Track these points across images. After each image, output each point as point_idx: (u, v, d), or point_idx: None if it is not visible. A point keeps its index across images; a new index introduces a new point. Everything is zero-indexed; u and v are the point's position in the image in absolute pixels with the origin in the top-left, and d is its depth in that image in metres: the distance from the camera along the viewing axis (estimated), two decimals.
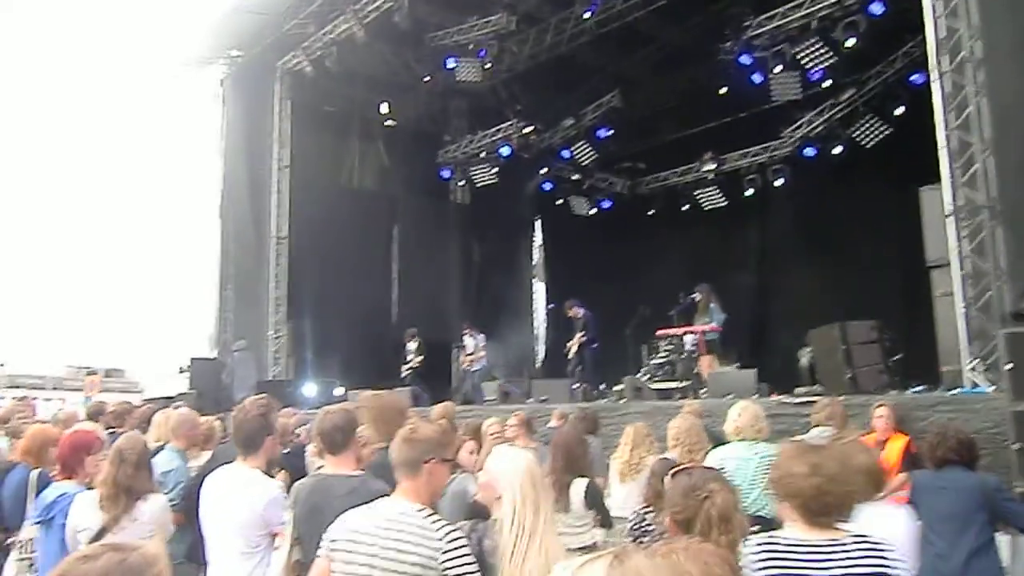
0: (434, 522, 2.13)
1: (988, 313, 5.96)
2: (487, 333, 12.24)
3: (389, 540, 2.12)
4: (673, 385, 9.15)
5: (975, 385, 5.91)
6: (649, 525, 3.33)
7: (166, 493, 3.82)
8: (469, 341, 11.95)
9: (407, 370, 11.88)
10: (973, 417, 5.09)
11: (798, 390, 6.85)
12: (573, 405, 7.66)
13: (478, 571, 2.12)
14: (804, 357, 7.51)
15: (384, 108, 14.36)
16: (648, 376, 9.66)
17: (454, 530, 2.14)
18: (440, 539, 2.09)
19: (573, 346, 10.47)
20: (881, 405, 5.24)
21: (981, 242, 6.12)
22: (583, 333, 10.33)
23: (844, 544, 1.85)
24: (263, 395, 4.19)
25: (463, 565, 2.08)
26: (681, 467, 1.98)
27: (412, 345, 12.07)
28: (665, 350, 9.98)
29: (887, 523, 2.23)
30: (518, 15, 11.86)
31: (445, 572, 2.07)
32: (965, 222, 6.28)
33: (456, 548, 2.09)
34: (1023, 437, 4.47)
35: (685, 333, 9.67)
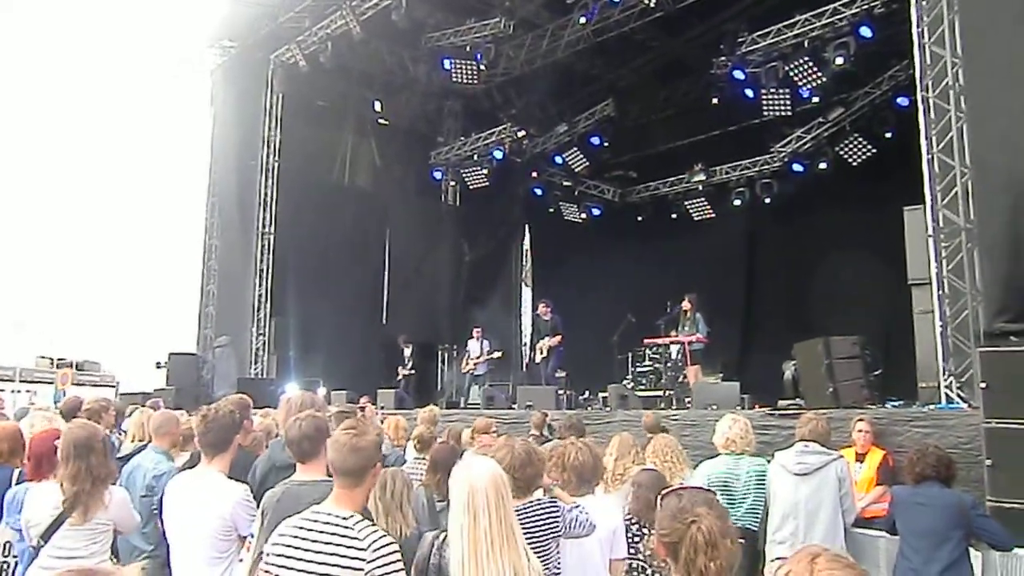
0: (362, 530, 2.14)
1: (964, 332, 6.11)
2: (472, 335, 12.16)
3: (321, 553, 2.14)
4: (658, 394, 9.24)
5: (951, 401, 6.06)
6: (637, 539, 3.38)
7: (154, 498, 3.69)
8: (475, 345, 11.74)
9: (404, 375, 11.85)
10: (948, 433, 5.22)
11: (781, 402, 6.95)
12: (561, 412, 7.69)
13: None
14: (788, 370, 7.61)
15: (378, 106, 14.25)
16: (633, 384, 9.74)
17: (382, 537, 2.15)
18: (366, 547, 2.10)
19: (544, 347, 10.57)
20: (861, 419, 5.37)
21: (959, 262, 6.28)
22: (558, 335, 10.49)
23: (534, 504, 2.80)
24: (241, 395, 4.10)
25: (388, 571, 2.09)
26: (672, 489, 1.98)
27: (407, 351, 11.99)
28: (651, 359, 10.09)
29: (603, 510, 3.11)
30: (515, 20, 11.90)
31: None
32: (944, 243, 6.44)
33: (382, 556, 2.10)
34: (995, 453, 4.59)
35: (672, 343, 9.77)
